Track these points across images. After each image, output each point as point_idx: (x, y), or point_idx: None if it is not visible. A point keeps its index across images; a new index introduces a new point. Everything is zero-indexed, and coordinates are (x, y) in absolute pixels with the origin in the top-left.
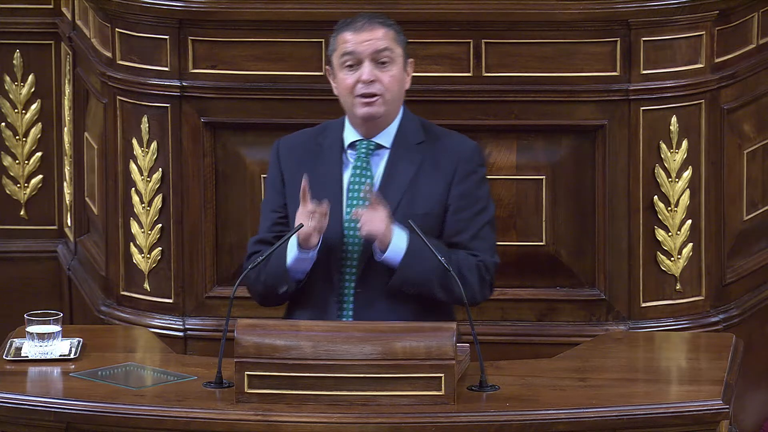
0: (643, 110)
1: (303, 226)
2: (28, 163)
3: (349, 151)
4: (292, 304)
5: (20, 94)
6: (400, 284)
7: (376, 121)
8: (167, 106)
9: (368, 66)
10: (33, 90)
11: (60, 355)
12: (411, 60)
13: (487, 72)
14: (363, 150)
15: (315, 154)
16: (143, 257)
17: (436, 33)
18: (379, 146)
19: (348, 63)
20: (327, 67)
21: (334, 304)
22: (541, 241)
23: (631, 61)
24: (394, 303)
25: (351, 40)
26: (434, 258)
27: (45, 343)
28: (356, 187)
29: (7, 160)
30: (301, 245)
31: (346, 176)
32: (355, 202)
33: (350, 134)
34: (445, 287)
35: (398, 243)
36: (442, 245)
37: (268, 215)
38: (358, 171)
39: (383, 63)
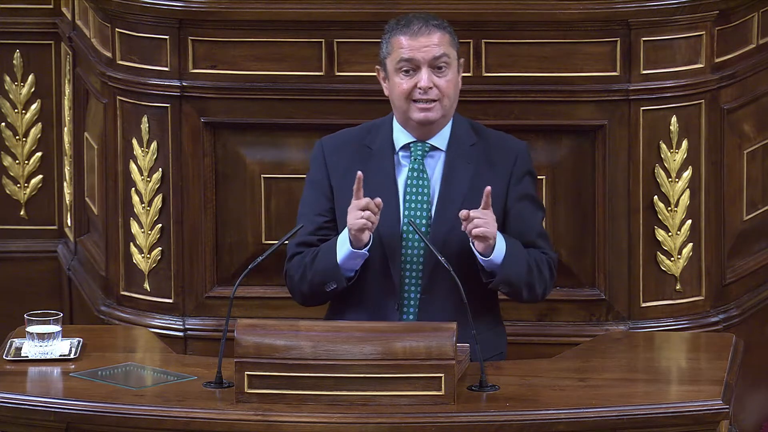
0: (643, 110)
1: (303, 226)
2: (28, 163)
3: (401, 153)
4: (342, 305)
5: (20, 94)
6: (500, 284)
7: (437, 123)
8: (167, 106)
9: (426, 72)
10: (33, 90)
11: (60, 355)
12: (462, 60)
13: (487, 72)
14: (419, 152)
15: (364, 156)
16: (143, 257)
17: None
18: (434, 148)
19: (404, 69)
20: (377, 68)
21: (393, 307)
22: None
23: (631, 61)
24: (457, 310)
25: (408, 45)
26: (525, 257)
27: (45, 343)
28: (413, 189)
29: (7, 160)
30: (353, 243)
31: (401, 179)
32: (412, 204)
33: (402, 136)
34: (530, 286)
35: (499, 245)
36: (520, 244)
37: (312, 218)
38: (414, 173)
39: (440, 68)
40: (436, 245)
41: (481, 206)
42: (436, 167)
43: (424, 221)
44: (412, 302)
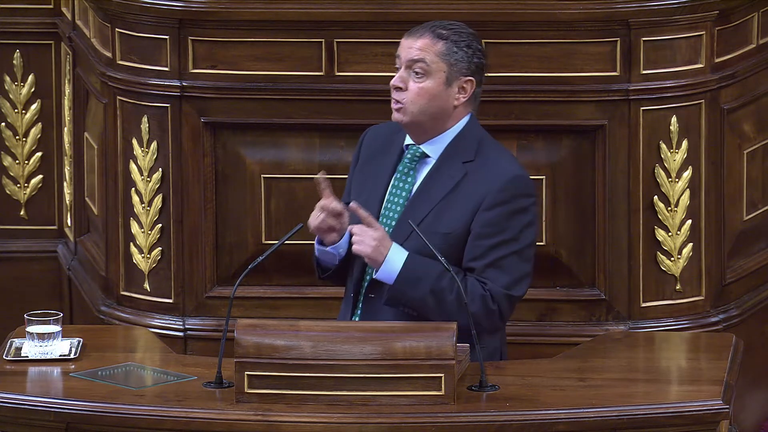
0: (643, 110)
1: (302, 226)
2: (28, 163)
3: (405, 154)
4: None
5: (20, 94)
6: (393, 304)
7: (417, 128)
8: (167, 106)
9: (402, 72)
10: (33, 90)
11: (60, 355)
12: (469, 79)
13: (486, 72)
14: (409, 155)
15: (385, 149)
16: (143, 257)
17: None
18: (426, 155)
19: (397, 65)
20: None
21: (351, 304)
22: (541, 241)
23: (631, 61)
24: (397, 313)
25: (402, 43)
26: (430, 283)
27: (45, 343)
28: (396, 191)
29: (7, 160)
30: (321, 240)
31: (392, 179)
32: (390, 205)
33: (409, 138)
34: (441, 312)
35: (393, 265)
36: (433, 269)
37: (345, 194)
38: (401, 176)
39: (417, 73)
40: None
41: (362, 222)
42: (420, 174)
43: (393, 223)
44: (361, 301)
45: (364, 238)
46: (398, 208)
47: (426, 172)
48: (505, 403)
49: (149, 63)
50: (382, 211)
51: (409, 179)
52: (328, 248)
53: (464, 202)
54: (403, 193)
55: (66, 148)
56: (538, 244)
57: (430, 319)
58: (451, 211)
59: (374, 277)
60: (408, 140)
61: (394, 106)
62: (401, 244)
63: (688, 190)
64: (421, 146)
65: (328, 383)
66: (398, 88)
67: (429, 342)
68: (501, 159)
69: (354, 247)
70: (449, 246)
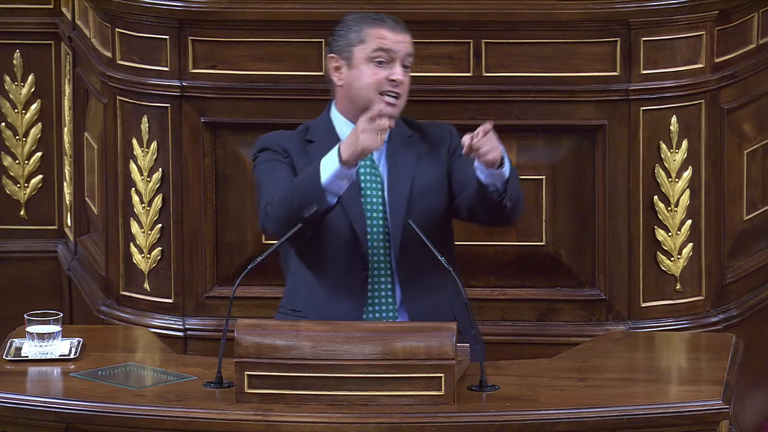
0: (643, 110)
1: (303, 226)
2: (28, 163)
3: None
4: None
5: (20, 94)
6: (514, 194)
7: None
8: (167, 106)
9: (399, 67)
10: (33, 90)
11: (60, 355)
12: None
13: (487, 72)
14: None
15: (310, 150)
16: (143, 257)
17: (436, 33)
18: None
19: (380, 59)
20: (332, 55)
21: (359, 300)
22: (541, 241)
23: (631, 61)
24: (435, 297)
25: (389, 38)
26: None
27: (45, 343)
28: (368, 177)
29: (7, 160)
30: (346, 161)
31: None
32: (369, 192)
33: (348, 128)
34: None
35: (506, 160)
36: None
37: (281, 182)
38: (368, 162)
39: (406, 67)
40: (397, 226)
41: (480, 137)
42: (381, 156)
43: (380, 207)
44: (392, 292)
45: (493, 144)
46: (378, 192)
47: (381, 156)
48: (505, 403)
49: (149, 63)
50: (363, 198)
51: (373, 164)
52: (352, 169)
53: (433, 161)
54: (377, 178)
55: (66, 148)
56: (538, 243)
57: (517, 205)
58: (427, 175)
59: (497, 172)
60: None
61: (391, 101)
62: (409, 213)
63: (688, 190)
64: None
65: (328, 383)
66: (400, 83)
67: (429, 342)
68: (429, 122)
69: (491, 155)
70: (441, 201)
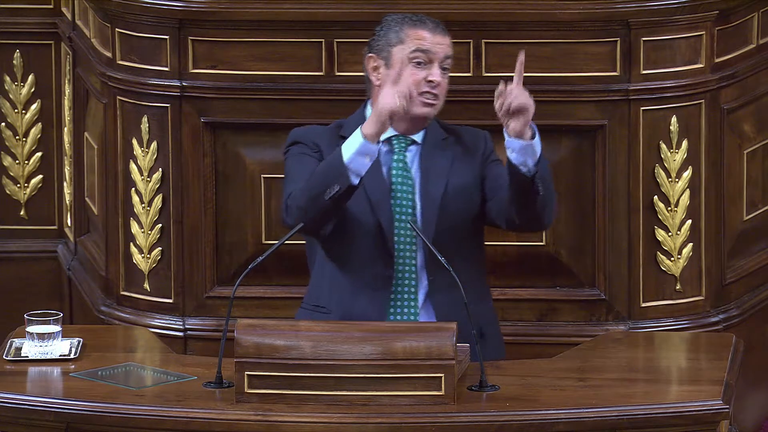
0: (643, 110)
1: (303, 226)
2: (28, 163)
3: (381, 147)
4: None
5: (20, 94)
6: (543, 176)
7: (426, 120)
8: (167, 106)
9: (438, 68)
10: (33, 90)
11: (60, 355)
12: None
13: (487, 72)
14: (403, 145)
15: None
16: (143, 257)
17: None
18: (413, 142)
19: (417, 60)
20: (371, 55)
21: (382, 299)
22: (541, 241)
23: (631, 61)
24: (458, 300)
25: (428, 39)
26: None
27: (45, 343)
28: (400, 180)
29: (7, 160)
30: (369, 137)
31: (386, 171)
32: (399, 194)
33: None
34: (551, 191)
35: (537, 134)
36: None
37: (307, 174)
38: (400, 165)
39: (444, 69)
40: (429, 228)
41: (514, 83)
42: (414, 159)
43: (410, 211)
44: (417, 292)
45: (520, 91)
46: (409, 196)
47: (415, 158)
48: (505, 403)
49: (149, 63)
50: (393, 201)
51: (407, 166)
52: (375, 145)
53: (467, 165)
54: (409, 181)
55: (66, 148)
56: (537, 243)
57: (547, 191)
58: (461, 177)
59: (527, 144)
60: (388, 132)
61: (430, 101)
62: (435, 229)
63: (688, 190)
64: (411, 136)
65: (328, 383)
66: (438, 84)
67: (429, 342)
68: (464, 127)
69: (518, 100)
70: (474, 203)
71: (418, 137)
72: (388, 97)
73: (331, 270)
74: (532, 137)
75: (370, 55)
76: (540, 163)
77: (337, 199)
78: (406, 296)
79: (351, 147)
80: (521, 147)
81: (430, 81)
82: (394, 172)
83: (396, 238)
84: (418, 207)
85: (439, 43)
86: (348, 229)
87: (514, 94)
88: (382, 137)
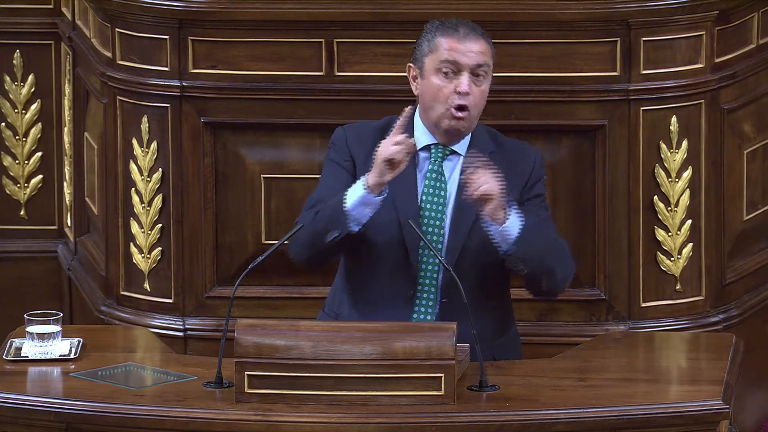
0: (643, 110)
1: (303, 226)
2: (28, 163)
3: (421, 154)
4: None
5: (20, 94)
6: (516, 261)
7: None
8: (167, 106)
9: (467, 78)
10: (33, 90)
11: (60, 355)
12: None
13: None
14: (439, 155)
15: None
16: (143, 257)
17: None
18: (454, 152)
19: (446, 70)
20: (410, 65)
21: (405, 308)
22: None
23: (631, 61)
24: (475, 315)
25: (456, 48)
26: (545, 238)
27: (45, 343)
28: (431, 191)
29: (7, 160)
30: (371, 188)
31: (420, 180)
32: (429, 206)
33: (424, 137)
34: (550, 270)
35: (513, 218)
36: (540, 226)
37: (336, 190)
38: (433, 176)
39: (478, 76)
40: (455, 248)
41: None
42: (454, 171)
43: (438, 223)
44: (433, 305)
45: (487, 179)
46: (440, 207)
47: (456, 169)
48: (505, 403)
49: (149, 63)
50: (422, 212)
51: (442, 177)
52: (377, 197)
53: (509, 186)
54: (442, 192)
55: (66, 148)
56: None
57: (541, 282)
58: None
59: (498, 229)
60: (425, 140)
61: (459, 114)
62: (463, 244)
63: (688, 190)
64: (451, 146)
65: (328, 383)
66: (466, 94)
67: (429, 342)
68: (517, 142)
69: (481, 188)
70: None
71: (459, 147)
72: (385, 145)
73: (352, 281)
74: (506, 219)
75: (409, 64)
76: (520, 242)
77: (338, 242)
78: (422, 317)
79: (354, 195)
80: (496, 231)
81: (459, 92)
82: (426, 182)
83: (419, 258)
84: (447, 227)
85: (470, 51)
86: (373, 243)
87: (479, 182)
88: (421, 144)
